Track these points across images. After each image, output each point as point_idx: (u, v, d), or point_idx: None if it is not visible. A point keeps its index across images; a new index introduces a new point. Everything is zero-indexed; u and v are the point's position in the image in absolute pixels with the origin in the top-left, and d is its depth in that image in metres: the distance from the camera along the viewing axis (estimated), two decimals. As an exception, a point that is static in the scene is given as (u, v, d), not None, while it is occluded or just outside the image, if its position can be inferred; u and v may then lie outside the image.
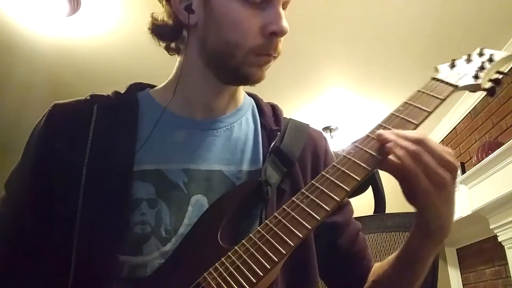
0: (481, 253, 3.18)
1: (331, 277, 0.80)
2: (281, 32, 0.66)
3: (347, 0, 2.30)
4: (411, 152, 0.55)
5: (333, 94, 3.27)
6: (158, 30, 0.73)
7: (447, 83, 0.68)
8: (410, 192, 0.58)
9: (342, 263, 0.77)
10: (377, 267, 0.77)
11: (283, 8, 0.68)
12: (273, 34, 0.66)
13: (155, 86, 0.80)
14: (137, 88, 0.78)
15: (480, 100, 3.11)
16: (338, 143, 3.70)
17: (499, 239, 2.66)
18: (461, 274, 3.51)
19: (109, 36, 2.52)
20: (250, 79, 0.69)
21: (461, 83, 0.68)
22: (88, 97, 0.73)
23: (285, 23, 0.66)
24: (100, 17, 2.37)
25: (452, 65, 0.74)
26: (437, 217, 0.59)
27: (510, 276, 2.69)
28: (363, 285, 0.76)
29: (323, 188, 0.57)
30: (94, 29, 2.47)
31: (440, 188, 0.56)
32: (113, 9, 2.30)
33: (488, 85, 0.70)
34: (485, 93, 0.71)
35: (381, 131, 0.59)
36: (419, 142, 0.56)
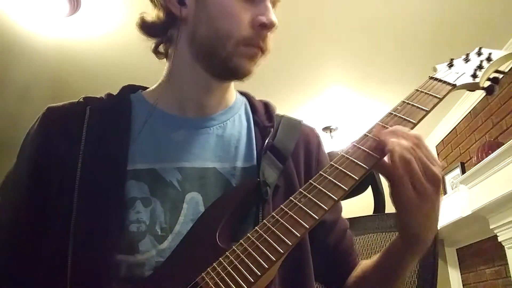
0: (481, 253, 3.17)
1: (318, 272, 0.80)
2: (270, 24, 0.68)
3: None
4: (402, 158, 0.56)
5: (333, 93, 3.27)
6: (146, 25, 0.74)
7: (445, 82, 0.68)
8: (394, 194, 0.58)
9: (329, 260, 0.78)
10: (362, 264, 0.78)
11: (272, 6, 0.71)
12: (263, 26, 0.68)
13: (148, 88, 0.81)
14: (130, 89, 0.79)
15: (480, 100, 3.11)
16: (338, 143, 3.70)
17: (499, 239, 2.65)
18: (461, 274, 3.51)
19: (109, 36, 2.52)
20: (239, 71, 0.70)
21: (459, 82, 0.68)
22: (81, 99, 0.74)
23: (274, 16, 0.68)
24: (100, 17, 2.37)
25: (450, 65, 0.74)
26: (414, 225, 0.59)
27: (510, 276, 2.69)
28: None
29: (320, 187, 0.58)
30: (94, 29, 2.47)
31: (422, 198, 0.56)
32: (113, 9, 2.30)
33: (487, 84, 0.70)
34: (484, 92, 0.71)
35: (381, 131, 0.59)
36: (417, 145, 0.57)
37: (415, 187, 0.56)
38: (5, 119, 3.31)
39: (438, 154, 3.91)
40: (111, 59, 2.73)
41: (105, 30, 2.48)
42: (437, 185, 0.57)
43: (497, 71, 0.72)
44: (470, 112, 3.29)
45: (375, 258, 0.73)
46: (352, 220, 1.27)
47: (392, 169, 0.56)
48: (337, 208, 0.82)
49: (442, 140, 3.80)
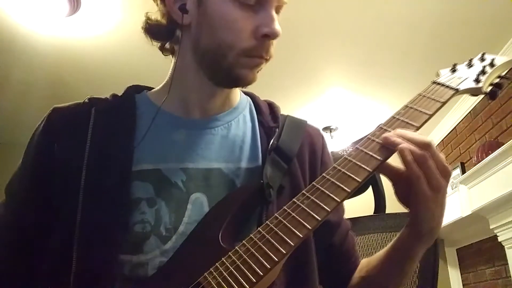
0: (481, 253, 3.18)
1: (320, 273, 0.80)
2: (273, 35, 0.66)
3: (347, 0, 2.30)
4: (418, 156, 0.57)
5: (333, 94, 3.27)
6: (152, 30, 0.73)
7: (448, 86, 0.69)
8: (406, 194, 0.60)
9: (332, 261, 0.78)
10: (365, 263, 0.78)
11: (276, 12, 0.69)
12: (266, 36, 0.66)
13: (153, 88, 0.81)
14: (135, 90, 0.79)
15: (480, 101, 3.11)
16: (338, 143, 3.70)
17: (499, 239, 2.66)
18: (461, 274, 3.51)
19: (109, 36, 2.52)
20: (241, 81, 0.70)
21: (462, 87, 0.69)
22: (86, 100, 0.74)
23: (277, 26, 0.66)
24: (100, 17, 2.37)
25: (454, 70, 0.74)
26: (430, 219, 0.61)
27: (510, 276, 2.69)
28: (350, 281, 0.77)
29: (323, 189, 0.58)
30: (94, 29, 2.47)
31: (437, 192, 0.58)
32: (113, 9, 2.30)
33: (489, 88, 0.71)
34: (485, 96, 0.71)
35: (386, 134, 0.60)
36: (426, 146, 0.58)
37: (431, 182, 0.58)
38: (5, 118, 3.32)
39: (438, 154, 3.91)
40: (111, 59, 2.73)
41: (105, 30, 2.48)
42: (448, 178, 0.60)
43: (499, 77, 0.73)
44: (470, 112, 3.30)
45: (379, 256, 0.73)
46: (352, 220, 1.26)
47: (406, 168, 0.58)
48: (340, 209, 0.82)
49: (442, 140, 3.80)
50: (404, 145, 0.58)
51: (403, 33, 2.56)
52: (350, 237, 0.82)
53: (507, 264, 2.65)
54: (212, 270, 0.55)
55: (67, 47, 2.60)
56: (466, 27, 2.48)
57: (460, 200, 2.95)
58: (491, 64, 0.72)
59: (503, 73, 0.73)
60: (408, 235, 0.65)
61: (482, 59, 0.75)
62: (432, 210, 0.60)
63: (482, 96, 0.71)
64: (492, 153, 2.51)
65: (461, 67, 0.75)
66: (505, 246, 2.63)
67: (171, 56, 0.77)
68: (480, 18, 2.42)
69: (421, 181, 0.57)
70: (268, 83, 2.95)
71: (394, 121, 0.64)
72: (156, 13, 0.73)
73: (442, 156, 0.59)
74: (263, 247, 0.54)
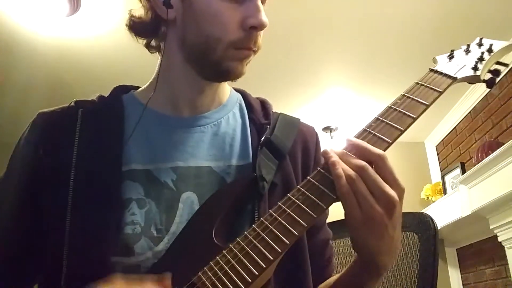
0: (481, 253, 3.17)
1: None
2: (260, 26, 0.65)
3: (346, -1, 2.30)
4: (347, 176, 0.54)
5: (333, 93, 3.26)
6: (136, 26, 0.72)
7: (445, 75, 0.67)
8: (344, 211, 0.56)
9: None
10: (329, 280, 0.75)
11: (262, 3, 0.68)
12: (253, 28, 0.65)
13: (140, 87, 0.80)
14: (122, 90, 0.78)
15: (480, 100, 3.11)
16: (338, 143, 3.70)
17: (499, 239, 2.65)
18: (461, 274, 3.50)
19: (109, 36, 2.52)
20: (230, 74, 0.69)
21: (459, 75, 0.67)
22: (72, 103, 0.73)
23: (264, 16, 0.65)
24: (100, 17, 2.37)
25: (451, 56, 0.72)
26: (365, 250, 0.57)
27: (510, 276, 2.68)
28: None
29: (319, 185, 0.57)
30: (94, 29, 2.47)
31: (369, 220, 0.53)
32: (113, 9, 2.30)
33: (488, 76, 0.68)
34: (485, 89, 0.70)
35: (329, 150, 0.57)
36: (360, 168, 0.54)
37: (361, 207, 0.53)
38: (5, 119, 3.31)
39: (438, 154, 3.91)
40: (111, 59, 2.73)
41: (105, 30, 2.48)
42: (389, 208, 0.53)
43: (498, 63, 0.71)
44: (470, 112, 3.29)
45: (336, 278, 0.71)
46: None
47: (335, 184, 0.54)
48: (323, 215, 0.78)
49: (442, 140, 3.79)
50: (335, 158, 0.55)
51: (403, 32, 2.55)
52: (329, 248, 0.79)
53: (507, 264, 2.64)
54: (207, 270, 0.54)
55: (67, 48, 2.60)
56: (466, 27, 2.47)
57: (460, 200, 2.94)
58: (489, 50, 0.70)
59: (502, 60, 0.71)
60: (356, 263, 0.63)
61: (480, 45, 0.72)
62: (364, 239, 0.55)
63: (482, 95, 0.70)
64: (492, 153, 2.51)
65: (459, 53, 0.73)
66: (505, 246, 2.62)
67: (158, 53, 0.76)
68: (480, 18, 2.42)
69: (347, 201, 0.54)
70: (267, 82, 2.95)
71: (390, 112, 0.63)
72: (139, 10, 0.72)
73: (382, 184, 0.53)
74: (258, 245, 0.54)
